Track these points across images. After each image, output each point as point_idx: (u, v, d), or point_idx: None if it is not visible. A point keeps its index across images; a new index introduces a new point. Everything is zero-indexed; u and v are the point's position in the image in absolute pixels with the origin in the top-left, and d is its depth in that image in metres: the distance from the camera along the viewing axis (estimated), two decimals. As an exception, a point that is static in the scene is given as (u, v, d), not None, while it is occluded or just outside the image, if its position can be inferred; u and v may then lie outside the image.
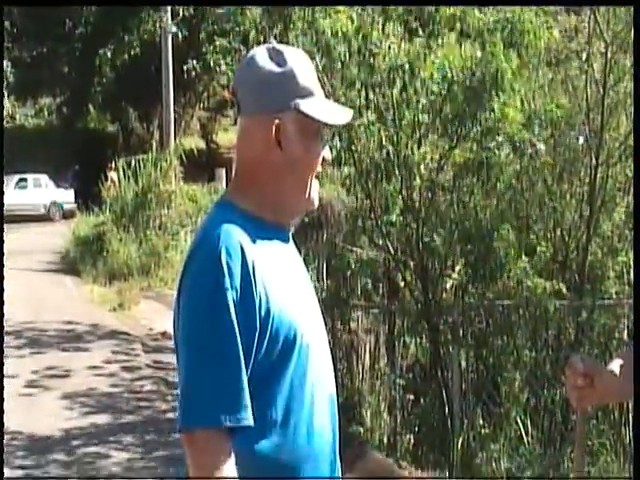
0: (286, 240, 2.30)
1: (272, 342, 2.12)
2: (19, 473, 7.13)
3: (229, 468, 2.05)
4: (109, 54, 30.05)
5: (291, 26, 7.43)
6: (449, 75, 7.22)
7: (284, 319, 2.14)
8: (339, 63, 7.32)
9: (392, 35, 7.34)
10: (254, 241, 2.16)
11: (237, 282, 2.09)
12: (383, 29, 7.39)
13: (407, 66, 7.18)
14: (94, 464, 7.44)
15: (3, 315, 8.10)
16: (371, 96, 7.34)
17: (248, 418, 2.06)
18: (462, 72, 7.20)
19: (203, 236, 2.20)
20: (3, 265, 9.35)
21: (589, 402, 2.55)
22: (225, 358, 2.07)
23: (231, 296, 2.08)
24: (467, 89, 7.21)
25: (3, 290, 8.29)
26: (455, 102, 7.30)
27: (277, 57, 2.22)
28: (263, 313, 2.11)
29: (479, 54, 7.21)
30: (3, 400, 7.08)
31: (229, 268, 2.09)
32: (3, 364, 7.39)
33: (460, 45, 7.36)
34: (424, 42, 7.40)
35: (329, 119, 2.26)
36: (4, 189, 29.43)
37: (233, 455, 2.06)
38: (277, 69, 2.20)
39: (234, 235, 2.14)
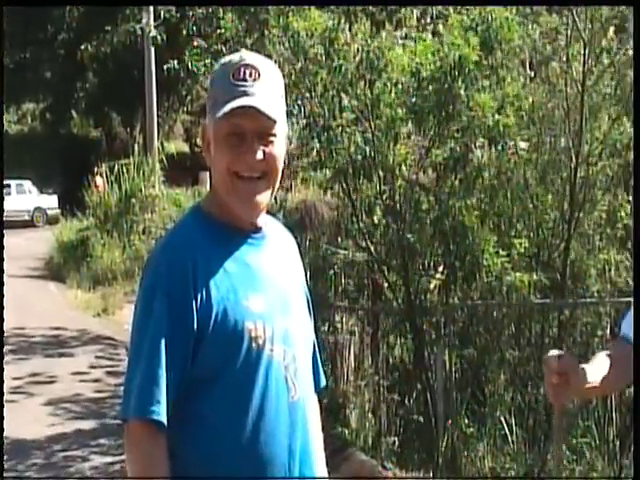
0: (256, 241, 2.28)
1: (213, 344, 2.15)
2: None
3: (153, 460, 2.10)
4: (90, 48, 29.96)
5: (267, 32, 7.37)
6: (415, 68, 7.14)
7: (229, 322, 2.16)
8: (314, 66, 7.26)
9: (359, 34, 7.28)
10: (209, 245, 2.20)
11: (174, 285, 2.14)
12: (350, 29, 7.33)
13: (375, 62, 7.08)
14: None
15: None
16: (344, 98, 7.29)
17: (160, 414, 2.10)
18: (427, 65, 7.12)
19: (161, 240, 2.31)
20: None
21: (565, 398, 2.59)
22: (146, 356, 2.13)
23: (164, 298, 2.13)
24: (434, 81, 7.12)
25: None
26: (425, 96, 7.20)
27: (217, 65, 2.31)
28: (202, 315, 2.14)
29: (440, 46, 7.12)
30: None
31: (168, 271, 2.15)
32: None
33: (424, 40, 7.32)
34: (391, 35, 7.32)
35: (220, 113, 2.17)
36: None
37: (161, 449, 2.11)
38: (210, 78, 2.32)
39: (181, 239, 2.21)
